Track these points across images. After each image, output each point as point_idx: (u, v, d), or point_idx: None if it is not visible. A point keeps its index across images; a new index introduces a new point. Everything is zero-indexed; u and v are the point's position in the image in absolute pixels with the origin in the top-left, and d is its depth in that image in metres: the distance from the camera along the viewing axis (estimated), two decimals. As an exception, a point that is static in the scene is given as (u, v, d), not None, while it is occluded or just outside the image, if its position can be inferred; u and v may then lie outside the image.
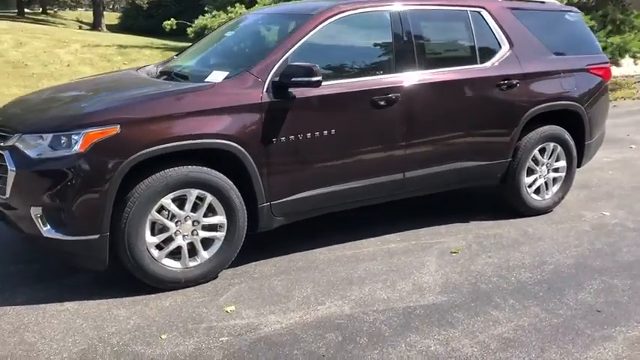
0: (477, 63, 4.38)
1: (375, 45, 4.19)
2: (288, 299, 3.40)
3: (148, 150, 3.25)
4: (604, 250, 4.17)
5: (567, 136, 4.80)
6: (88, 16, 31.17)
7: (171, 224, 3.42)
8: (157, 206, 3.35)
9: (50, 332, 3.04)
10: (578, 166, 5.02)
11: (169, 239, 3.44)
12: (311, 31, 3.81)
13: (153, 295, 3.42)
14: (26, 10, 32.46)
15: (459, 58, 4.43)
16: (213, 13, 13.06)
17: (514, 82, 4.43)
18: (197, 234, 3.50)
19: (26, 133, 3.31)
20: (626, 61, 13.06)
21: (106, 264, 3.34)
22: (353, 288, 3.54)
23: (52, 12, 33.56)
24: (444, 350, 2.91)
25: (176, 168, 3.36)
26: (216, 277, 3.64)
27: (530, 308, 3.32)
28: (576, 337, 3.03)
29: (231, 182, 3.52)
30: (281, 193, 3.69)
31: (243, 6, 12.60)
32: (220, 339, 2.99)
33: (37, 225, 3.26)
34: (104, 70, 10.31)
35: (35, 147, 3.25)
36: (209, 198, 3.47)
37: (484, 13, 4.47)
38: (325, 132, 3.75)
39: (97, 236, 3.24)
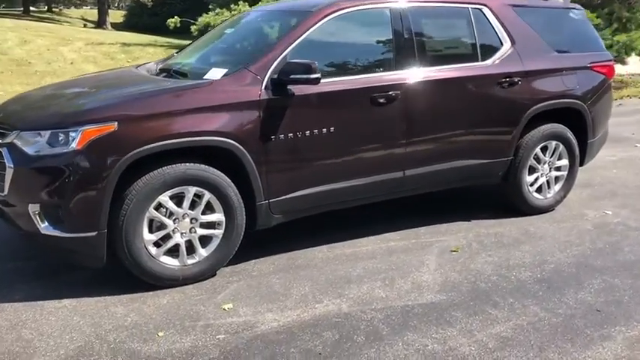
0: (478, 60, 4.35)
1: (375, 42, 4.16)
2: (286, 297, 3.39)
3: (145, 147, 3.24)
4: (605, 249, 4.13)
5: (570, 134, 4.77)
6: (93, 14, 31.25)
7: (169, 222, 3.41)
8: (154, 204, 3.34)
9: (47, 329, 3.04)
10: (581, 164, 4.98)
11: (167, 237, 3.44)
12: (310, 28, 3.80)
13: (151, 293, 3.41)
14: (32, 8, 32.61)
15: (460, 56, 4.40)
16: (216, 11, 13.08)
17: (516, 79, 4.40)
18: (195, 231, 3.49)
19: (24, 130, 3.30)
20: (633, 60, 13.00)
21: (103, 261, 3.34)
22: (351, 286, 3.53)
23: (57, 10, 33.68)
24: (442, 349, 2.89)
25: (174, 165, 3.35)
26: (215, 274, 3.63)
27: (530, 307, 3.30)
28: (575, 337, 3.01)
29: (229, 180, 3.50)
30: (279, 190, 3.68)
31: (246, 3, 12.60)
32: (217, 337, 2.98)
33: (35, 222, 3.26)
34: (107, 68, 10.32)
35: (33, 144, 3.25)
36: (207, 195, 3.46)
37: (485, 10, 4.44)
38: (324, 130, 3.73)
39: (94, 233, 3.24)
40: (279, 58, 3.63)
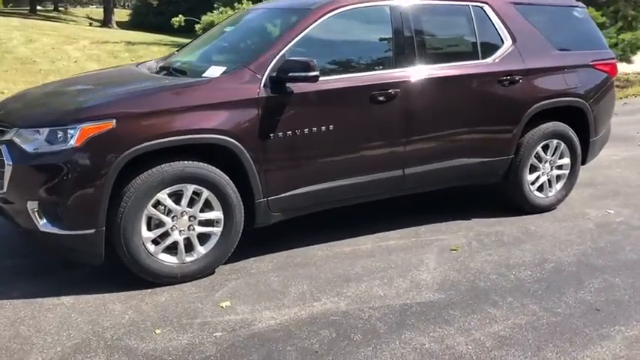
0: (478, 58, 4.33)
1: (375, 40, 4.15)
2: (283, 295, 3.39)
3: (143, 145, 3.24)
4: (607, 248, 4.11)
5: (571, 133, 4.74)
6: (99, 13, 31.35)
7: (167, 219, 3.41)
8: (152, 201, 3.34)
9: (45, 326, 3.05)
10: (583, 163, 4.96)
11: (166, 234, 3.44)
12: (310, 25, 3.79)
13: (149, 290, 3.41)
14: (38, 7, 32.74)
15: (460, 54, 4.38)
16: (220, 10, 13.09)
17: (516, 77, 4.37)
18: (193, 229, 3.49)
19: (23, 128, 3.31)
20: (638, 58, 12.93)
21: (102, 258, 3.34)
22: (350, 285, 3.52)
23: (63, 9, 33.82)
24: (439, 348, 2.88)
25: (172, 163, 3.35)
26: (213, 272, 3.63)
27: (529, 306, 3.28)
28: (574, 336, 2.99)
29: (227, 177, 3.50)
30: (278, 188, 3.68)
31: (250, 2, 12.59)
32: (214, 334, 2.98)
33: (34, 219, 3.27)
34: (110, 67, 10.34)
35: (32, 141, 3.26)
36: (205, 193, 3.46)
37: (486, 8, 4.42)
38: (323, 127, 3.72)
39: (92, 231, 3.24)
40: (278, 56, 3.62)
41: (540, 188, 4.73)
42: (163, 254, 3.45)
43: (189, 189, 3.42)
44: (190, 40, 5.11)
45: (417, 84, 4.02)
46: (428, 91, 4.07)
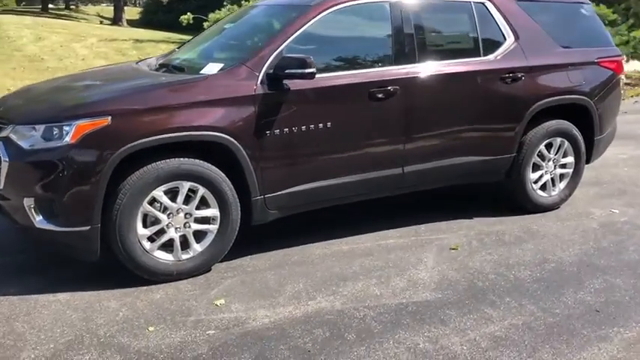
0: (480, 55, 4.28)
1: (374, 37, 4.12)
2: (279, 294, 3.37)
3: (139, 142, 3.24)
4: (609, 248, 4.05)
5: (575, 131, 4.67)
6: (109, 11, 31.49)
7: (163, 216, 3.40)
8: (148, 198, 3.33)
9: (40, 322, 3.05)
10: (588, 162, 4.89)
11: (161, 231, 3.43)
12: (308, 22, 3.76)
13: (144, 288, 3.41)
14: (50, 5, 32.97)
15: (461, 51, 4.33)
16: (228, 7, 13.09)
17: (519, 75, 4.31)
18: (189, 226, 3.48)
19: (19, 124, 3.32)
20: (649, 56, 12.74)
21: (97, 255, 3.34)
22: (346, 283, 3.49)
23: (74, 7, 34.04)
24: (433, 348, 2.84)
25: (167, 160, 3.34)
26: (210, 270, 3.62)
27: (526, 307, 3.23)
28: (571, 337, 2.94)
29: (223, 175, 3.48)
30: (275, 186, 3.65)
31: None
32: (207, 332, 2.97)
33: (30, 216, 3.27)
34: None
35: (28, 138, 3.26)
36: (201, 190, 3.44)
37: (488, 4, 4.37)
38: (321, 125, 3.69)
39: (88, 228, 3.24)
40: (275, 53, 3.60)
41: (543, 187, 4.68)
42: (159, 251, 3.44)
43: (185, 186, 3.40)
44: (188, 38, 5.09)
45: (417, 81, 3.98)
46: (428, 88, 4.03)
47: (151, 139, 3.27)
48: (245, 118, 3.49)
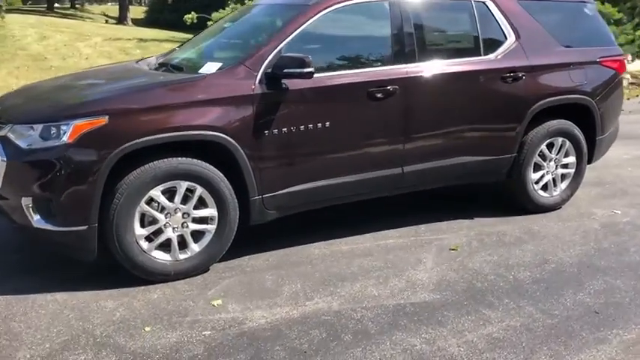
0: (480, 55, 4.25)
1: (374, 36, 4.10)
2: (276, 294, 3.35)
3: (136, 141, 3.23)
4: (610, 249, 4.02)
5: (577, 131, 4.64)
6: (115, 10, 31.55)
7: (160, 216, 3.39)
8: (145, 198, 3.32)
9: (36, 322, 3.05)
10: (589, 162, 4.85)
11: (159, 231, 3.42)
12: (307, 21, 3.74)
13: (142, 287, 3.40)
14: (56, 4, 33.05)
15: (462, 50, 4.31)
16: (231, 7, 13.10)
17: (520, 74, 4.29)
18: (187, 226, 3.47)
19: (17, 124, 3.32)
20: (655, 55, 12.65)
21: (94, 255, 3.33)
22: (344, 284, 3.47)
23: (80, 6, 34.12)
24: (429, 349, 2.82)
25: (165, 159, 3.33)
26: (208, 270, 3.61)
27: (525, 308, 3.21)
28: (569, 339, 2.91)
29: (221, 174, 3.47)
30: (273, 186, 3.64)
31: (260, -1, 12.57)
32: (203, 333, 2.96)
33: (28, 215, 3.27)
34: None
35: (26, 137, 3.26)
36: (199, 190, 3.43)
37: (489, 3, 4.34)
38: (319, 124, 3.68)
39: (85, 227, 3.23)
40: (274, 52, 3.58)
41: (545, 187, 4.65)
42: (157, 251, 3.43)
43: (183, 186, 3.39)
44: (191, 37, 5.09)
45: (417, 80, 3.96)
46: (428, 87, 4.01)
47: (148, 138, 3.26)
48: (243, 117, 3.48)
